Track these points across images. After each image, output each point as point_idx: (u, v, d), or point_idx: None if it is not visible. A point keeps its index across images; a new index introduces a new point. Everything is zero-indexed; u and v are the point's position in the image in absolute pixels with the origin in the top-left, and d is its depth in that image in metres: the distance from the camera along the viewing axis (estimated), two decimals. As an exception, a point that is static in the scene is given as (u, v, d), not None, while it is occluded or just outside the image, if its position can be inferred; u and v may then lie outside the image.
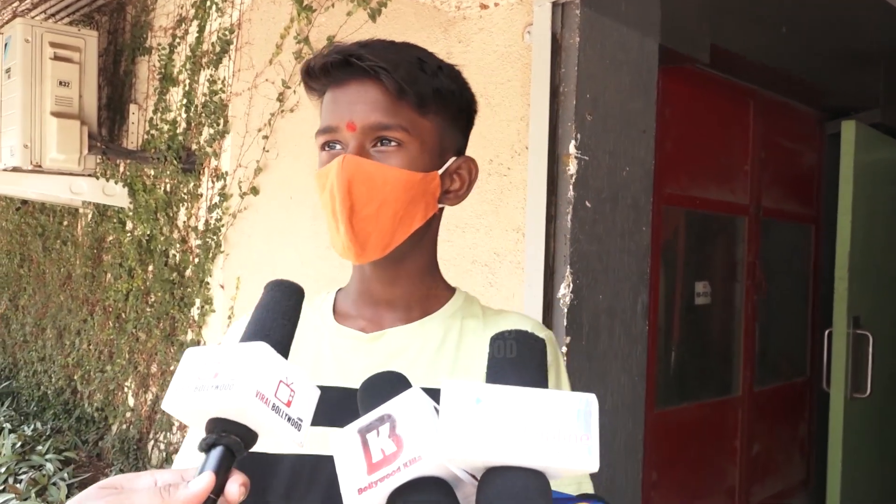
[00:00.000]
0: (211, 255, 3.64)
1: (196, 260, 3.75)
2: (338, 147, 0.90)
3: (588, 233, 2.10)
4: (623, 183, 2.21)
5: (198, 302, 3.74)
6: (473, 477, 0.51)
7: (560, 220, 2.08)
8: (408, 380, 0.61)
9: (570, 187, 2.06)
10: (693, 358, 3.28)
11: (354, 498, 0.54)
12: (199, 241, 3.73)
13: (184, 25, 3.95)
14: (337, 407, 0.88)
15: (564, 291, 2.05)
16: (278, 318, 0.66)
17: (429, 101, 0.90)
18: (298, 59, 3.06)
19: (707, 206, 3.23)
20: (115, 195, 4.34)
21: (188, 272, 3.84)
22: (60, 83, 3.99)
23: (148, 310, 4.16)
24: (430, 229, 0.96)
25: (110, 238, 4.65)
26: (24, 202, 5.92)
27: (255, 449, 0.60)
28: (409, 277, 0.95)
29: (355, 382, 0.89)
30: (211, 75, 3.69)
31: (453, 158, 0.95)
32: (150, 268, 4.17)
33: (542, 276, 2.06)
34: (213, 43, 3.67)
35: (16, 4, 4.42)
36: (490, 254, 2.29)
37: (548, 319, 2.06)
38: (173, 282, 3.93)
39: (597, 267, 2.13)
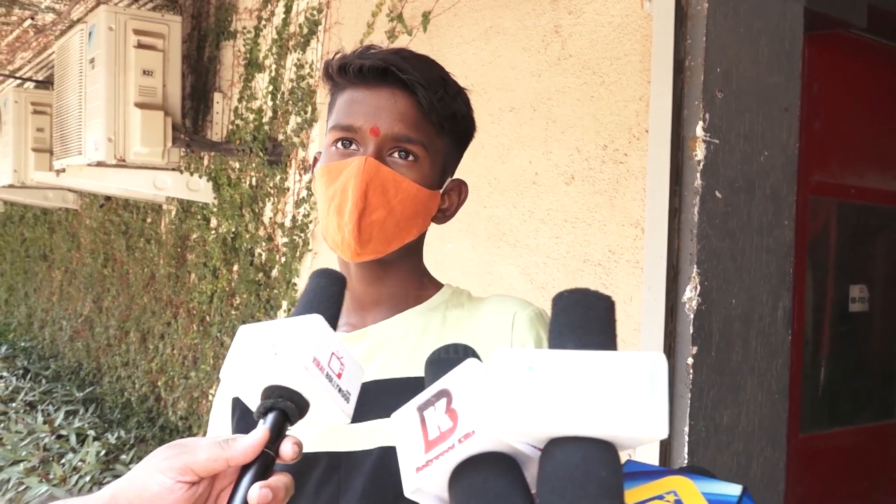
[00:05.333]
0: (298, 253, 3.78)
1: (283, 259, 3.90)
2: (353, 147, 1.02)
3: (718, 228, 2.06)
4: (761, 170, 2.15)
5: (284, 304, 3.89)
6: (540, 450, 0.51)
7: (685, 214, 2.04)
8: (473, 350, 0.63)
9: (698, 176, 2.02)
10: (847, 374, 3.15)
11: (413, 477, 0.55)
12: (285, 239, 3.87)
13: (269, 6, 4.11)
14: None
15: (690, 295, 2.01)
16: (324, 301, 0.77)
17: (446, 122, 1.04)
18: (391, 38, 3.12)
19: (864, 195, 3.10)
20: (200, 190, 4.57)
21: (274, 272, 4.00)
22: (144, 72, 4.25)
23: (233, 312, 4.36)
24: (418, 241, 1.10)
25: (194, 236, 4.90)
26: (108, 198, 6.32)
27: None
28: (392, 279, 1.08)
29: None
30: (298, 59, 3.83)
31: (450, 179, 1.11)
32: (235, 267, 4.36)
33: (664, 278, 2.03)
34: (300, 24, 3.80)
35: (99, -9, 4.72)
36: (604, 251, 2.27)
37: (671, 326, 2.03)
38: (259, 283, 4.10)
39: (729, 267, 2.08)
